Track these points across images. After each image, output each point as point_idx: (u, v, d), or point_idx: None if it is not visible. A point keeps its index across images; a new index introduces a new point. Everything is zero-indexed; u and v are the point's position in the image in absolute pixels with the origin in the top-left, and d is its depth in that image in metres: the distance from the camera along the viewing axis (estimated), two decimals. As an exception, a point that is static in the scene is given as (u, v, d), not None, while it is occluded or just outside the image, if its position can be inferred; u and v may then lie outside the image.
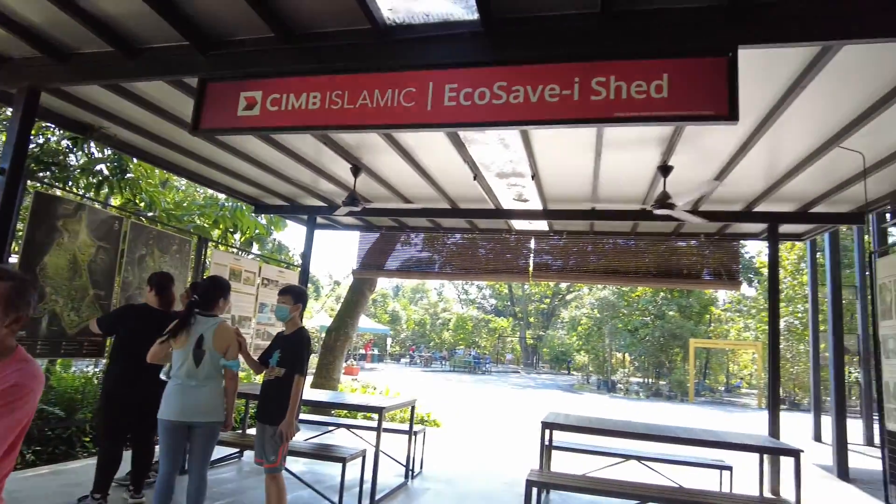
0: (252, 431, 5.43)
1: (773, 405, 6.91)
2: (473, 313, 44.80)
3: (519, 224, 8.77)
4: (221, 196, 11.75)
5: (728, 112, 2.94)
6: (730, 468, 5.82)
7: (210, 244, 9.10)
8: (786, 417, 17.55)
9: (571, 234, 9.33)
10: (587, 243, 9.48)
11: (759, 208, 7.10)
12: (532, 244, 9.63)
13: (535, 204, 7.16)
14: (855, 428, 12.02)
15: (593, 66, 3.14)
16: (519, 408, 16.17)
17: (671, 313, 27.61)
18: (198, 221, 11.59)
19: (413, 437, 6.16)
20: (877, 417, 5.70)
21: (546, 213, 7.79)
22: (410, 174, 6.63)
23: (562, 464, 6.64)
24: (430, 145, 5.70)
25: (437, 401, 15.34)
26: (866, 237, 8.97)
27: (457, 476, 6.58)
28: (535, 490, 4.43)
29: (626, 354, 31.15)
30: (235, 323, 7.39)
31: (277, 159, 6.51)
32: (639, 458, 5.89)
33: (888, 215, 6.62)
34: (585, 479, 4.85)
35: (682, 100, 2.99)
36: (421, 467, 6.66)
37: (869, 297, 6.34)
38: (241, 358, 3.87)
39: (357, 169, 6.42)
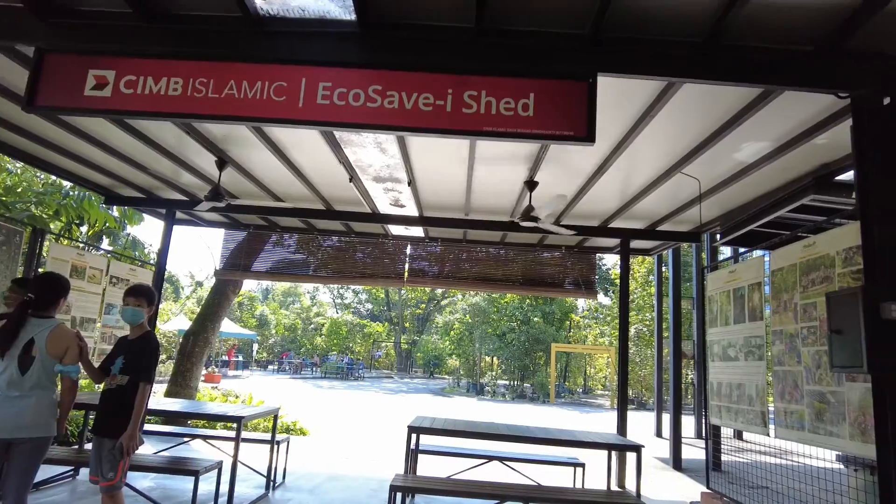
0: (90, 446, 4.87)
1: (622, 405, 7.56)
2: (348, 318, 44.09)
3: (396, 229, 8.80)
4: (66, 183, 10.49)
5: (586, 134, 3.17)
6: (583, 465, 6.25)
7: (49, 237, 8.08)
8: (634, 416, 19.27)
9: (446, 241, 9.54)
10: (461, 251, 9.75)
11: (614, 224, 7.76)
12: (408, 250, 9.71)
13: (412, 210, 7.22)
14: (690, 423, 13.52)
15: (466, 80, 3.24)
16: (390, 413, 16.17)
17: (536, 319, 29.19)
18: (34, 211, 10.22)
19: (276, 446, 5.90)
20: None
21: (422, 220, 7.89)
22: (283, 172, 6.38)
23: (429, 467, 6.72)
24: (305, 143, 5.53)
25: (306, 408, 14.87)
26: (703, 254, 10.13)
27: (321, 485, 6.40)
28: (398, 495, 4.44)
29: (495, 358, 32.42)
30: (77, 325, 6.61)
31: (133, 147, 5.95)
32: (501, 459, 6.13)
33: (718, 235, 7.53)
34: (449, 481, 4.94)
35: (546, 119, 3.17)
36: (284, 477, 6.39)
37: (701, 307, 7.15)
38: (80, 364, 3.46)
39: (223, 162, 6.05)
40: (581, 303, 32.77)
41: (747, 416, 4.62)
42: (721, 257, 9.31)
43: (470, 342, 31.48)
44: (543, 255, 9.65)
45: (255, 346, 39.86)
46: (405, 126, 3.25)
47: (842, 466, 4.84)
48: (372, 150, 4.93)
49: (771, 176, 5.61)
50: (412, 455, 5.44)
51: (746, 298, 4.63)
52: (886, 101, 3.30)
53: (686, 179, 5.73)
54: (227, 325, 28.02)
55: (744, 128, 4.43)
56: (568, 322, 32.68)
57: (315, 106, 3.32)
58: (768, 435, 4.36)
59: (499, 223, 7.77)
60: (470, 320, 31.73)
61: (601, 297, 31.93)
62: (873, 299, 2.99)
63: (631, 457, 5.93)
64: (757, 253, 9.18)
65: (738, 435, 11.09)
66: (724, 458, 8.75)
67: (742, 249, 8.68)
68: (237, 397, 12.69)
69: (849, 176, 5.25)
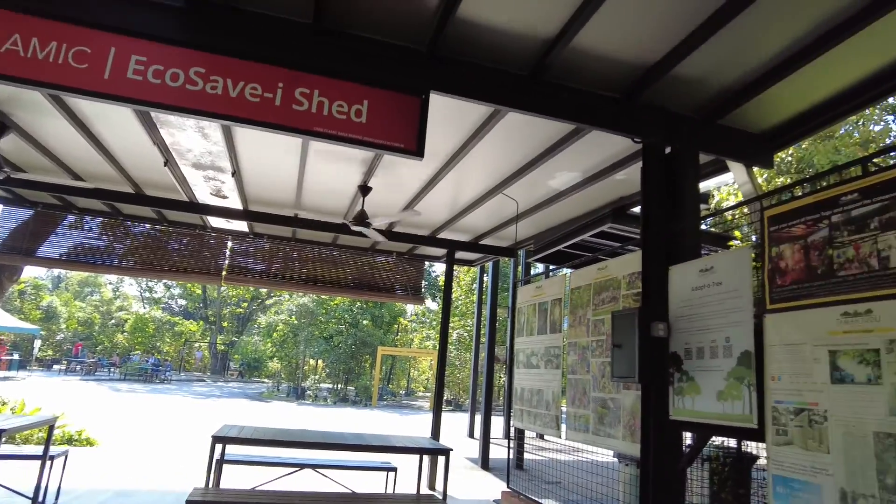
0: None
1: (437, 408, 7.85)
2: (157, 314, 39.87)
3: (216, 222, 8.17)
4: None
5: (416, 148, 3.24)
6: (395, 469, 6.34)
7: None
8: (451, 417, 20.23)
9: (274, 238, 9.10)
10: (292, 249, 9.37)
11: (442, 235, 8.06)
12: (230, 244, 9.08)
13: (235, 202, 6.77)
14: (501, 425, 14.48)
15: (299, 76, 3.12)
16: (197, 420, 14.92)
17: (365, 322, 29.21)
18: None
19: (49, 461, 5.09)
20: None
21: (247, 214, 7.43)
22: (83, 147, 5.58)
23: (236, 477, 6.31)
24: (113, 118, 4.90)
25: (97, 415, 13.10)
26: (519, 268, 10.94)
27: (105, 503, 5.66)
28: (196, 511, 4.08)
29: (320, 361, 31.75)
30: None
31: None
32: (313, 467, 5.97)
33: (531, 252, 8.22)
34: (254, 493, 4.68)
35: (378, 128, 3.18)
36: (57, 497, 5.53)
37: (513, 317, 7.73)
38: None
39: (4, 127, 5.11)
40: (410, 307, 33.56)
41: (544, 419, 5.09)
42: (534, 271, 10.20)
43: (294, 344, 30.39)
44: (375, 259, 9.69)
45: (38, 343, 34.18)
46: (229, 115, 3.02)
47: (617, 461, 5.56)
48: (192, 134, 4.53)
49: (578, 203, 6.27)
50: (217, 466, 5.06)
51: (549, 312, 5.12)
52: (668, 150, 3.87)
53: (507, 199, 6.16)
54: (1, 318, 23.65)
55: (558, 158, 4.89)
56: (396, 326, 33.19)
57: (124, 80, 2.94)
58: (560, 437, 4.84)
59: (330, 224, 7.62)
60: (296, 321, 30.67)
61: (429, 303, 33.01)
62: (646, 319, 3.48)
63: (442, 459, 6.18)
64: (565, 271, 10.21)
65: (541, 435, 12.18)
66: (527, 457, 9.55)
67: (552, 267, 9.57)
68: (4, 404, 10.72)
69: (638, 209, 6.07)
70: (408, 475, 7.21)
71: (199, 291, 45.43)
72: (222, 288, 41.44)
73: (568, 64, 3.50)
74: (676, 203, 3.72)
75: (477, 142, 4.60)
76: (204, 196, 6.44)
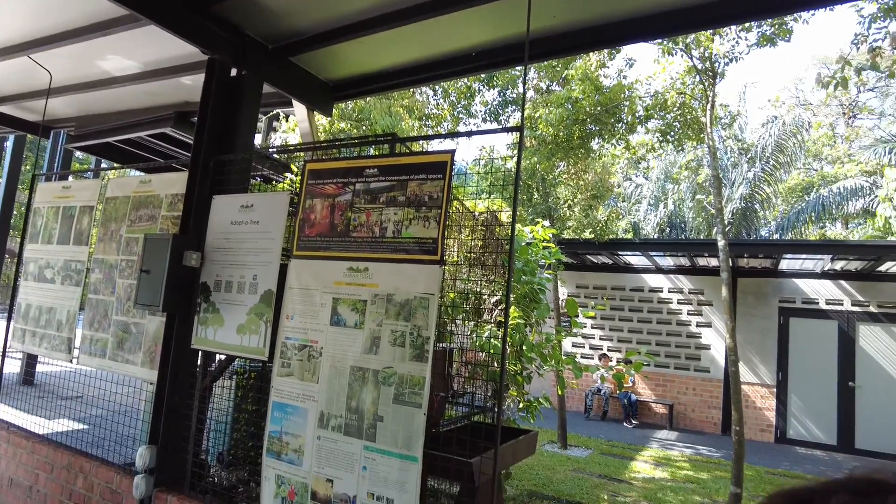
0: None
1: None
2: None
3: None
4: None
5: None
6: None
7: None
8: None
9: None
10: None
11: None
12: None
13: None
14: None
15: None
16: None
17: None
18: None
19: None
20: None
21: None
22: None
23: None
24: None
25: None
26: (58, 157, 8.90)
27: None
28: None
29: None
30: None
31: None
32: None
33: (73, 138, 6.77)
34: None
35: None
36: None
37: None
38: None
39: None
40: None
41: (53, 341, 4.35)
42: (78, 162, 8.46)
43: None
44: None
45: None
46: None
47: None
48: None
49: (138, 96, 5.43)
50: None
51: (76, 220, 4.32)
52: (234, 72, 3.67)
53: (36, 67, 4.83)
54: None
55: (111, 40, 4.06)
56: None
57: None
58: (72, 362, 4.24)
59: None
60: None
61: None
62: (181, 247, 3.29)
63: None
64: (105, 175, 8.81)
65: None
66: (44, 369, 8.13)
67: (104, 163, 8.16)
68: None
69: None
70: None
71: None
72: None
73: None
74: (232, 130, 3.58)
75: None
76: None
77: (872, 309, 10.02)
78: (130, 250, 3.88)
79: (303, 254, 2.98)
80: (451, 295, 4.32)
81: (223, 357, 3.76)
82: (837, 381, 10.13)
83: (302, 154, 4.51)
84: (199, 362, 3.50)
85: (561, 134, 7.85)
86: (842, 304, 10.27)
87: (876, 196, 14.98)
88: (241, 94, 3.65)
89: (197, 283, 3.39)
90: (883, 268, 9.67)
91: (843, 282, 10.29)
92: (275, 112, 7.01)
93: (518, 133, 2.68)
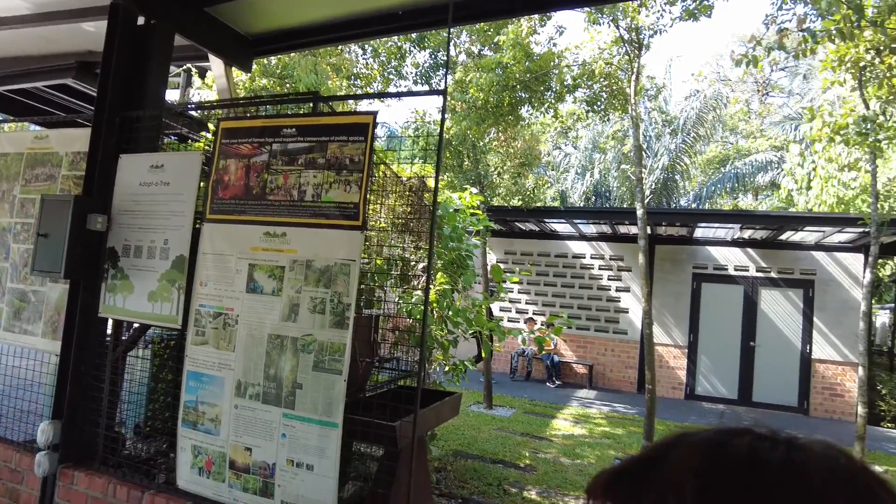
0: None
1: None
2: None
3: None
4: None
5: None
6: None
7: None
8: None
9: None
10: None
11: None
12: None
13: None
14: None
15: None
16: None
17: None
18: None
19: None
20: None
21: None
22: None
23: None
24: None
25: None
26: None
27: None
28: None
29: None
30: None
31: None
32: None
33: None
34: None
35: None
36: None
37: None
38: None
39: None
40: None
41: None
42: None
43: None
44: None
45: None
46: None
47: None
48: None
49: (33, 41, 4.93)
50: None
51: (-39, 178, 3.91)
52: (141, 20, 3.39)
53: None
54: None
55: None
56: None
57: None
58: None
59: None
60: None
61: None
62: (84, 209, 3.06)
63: None
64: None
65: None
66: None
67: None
68: None
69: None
70: None
71: None
72: None
73: None
74: (141, 84, 3.33)
75: None
76: None
77: (773, 275, 10.85)
78: (26, 212, 3.57)
79: (216, 217, 2.85)
80: (379, 261, 4.29)
81: (136, 325, 3.57)
82: (741, 341, 10.98)
83: (220, 112, 4.26)
84: (109, 331, 3.32)
85: (491, 99, 7.84)
86: (747, 270, 11.05)
87: (782, 170, 16.07)
88: (149, 44, 3.39)
89: (103, 248, 3.18)
90: (784, 236, 10.45)
91: (749, 249, 11.05)
92: (187, 66, 6.57)
93: (442, 96, 2.64)
